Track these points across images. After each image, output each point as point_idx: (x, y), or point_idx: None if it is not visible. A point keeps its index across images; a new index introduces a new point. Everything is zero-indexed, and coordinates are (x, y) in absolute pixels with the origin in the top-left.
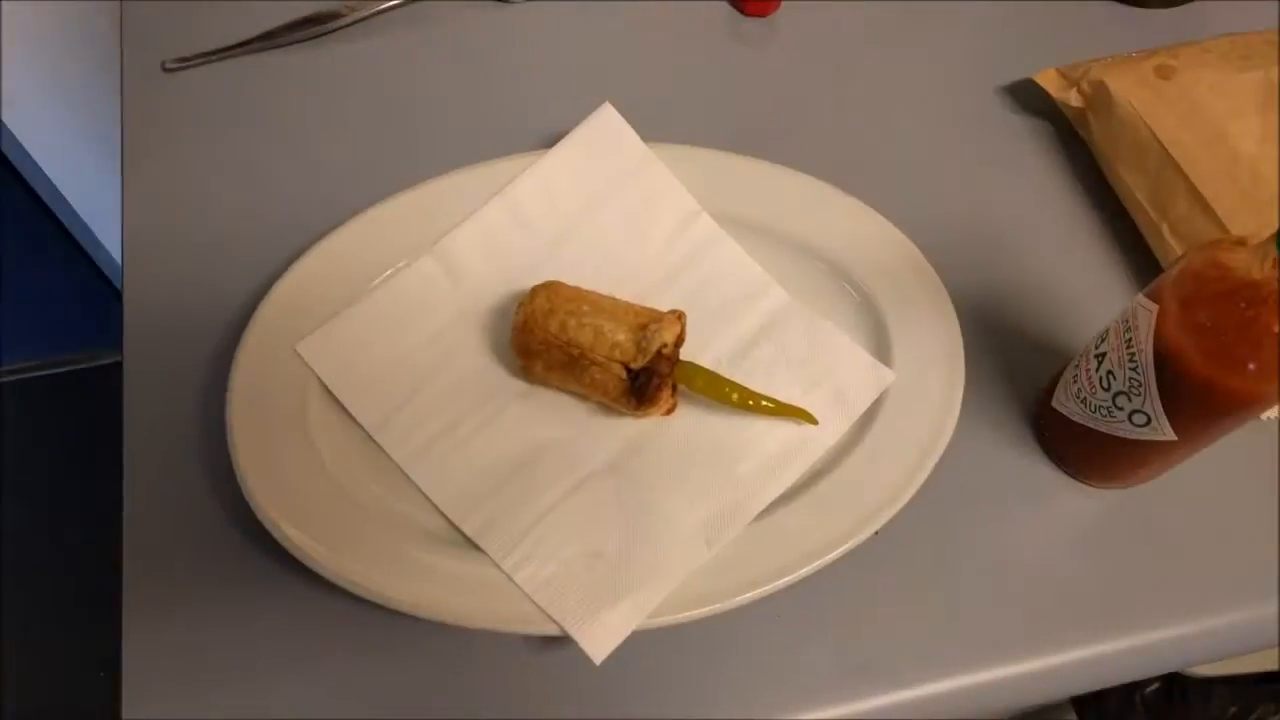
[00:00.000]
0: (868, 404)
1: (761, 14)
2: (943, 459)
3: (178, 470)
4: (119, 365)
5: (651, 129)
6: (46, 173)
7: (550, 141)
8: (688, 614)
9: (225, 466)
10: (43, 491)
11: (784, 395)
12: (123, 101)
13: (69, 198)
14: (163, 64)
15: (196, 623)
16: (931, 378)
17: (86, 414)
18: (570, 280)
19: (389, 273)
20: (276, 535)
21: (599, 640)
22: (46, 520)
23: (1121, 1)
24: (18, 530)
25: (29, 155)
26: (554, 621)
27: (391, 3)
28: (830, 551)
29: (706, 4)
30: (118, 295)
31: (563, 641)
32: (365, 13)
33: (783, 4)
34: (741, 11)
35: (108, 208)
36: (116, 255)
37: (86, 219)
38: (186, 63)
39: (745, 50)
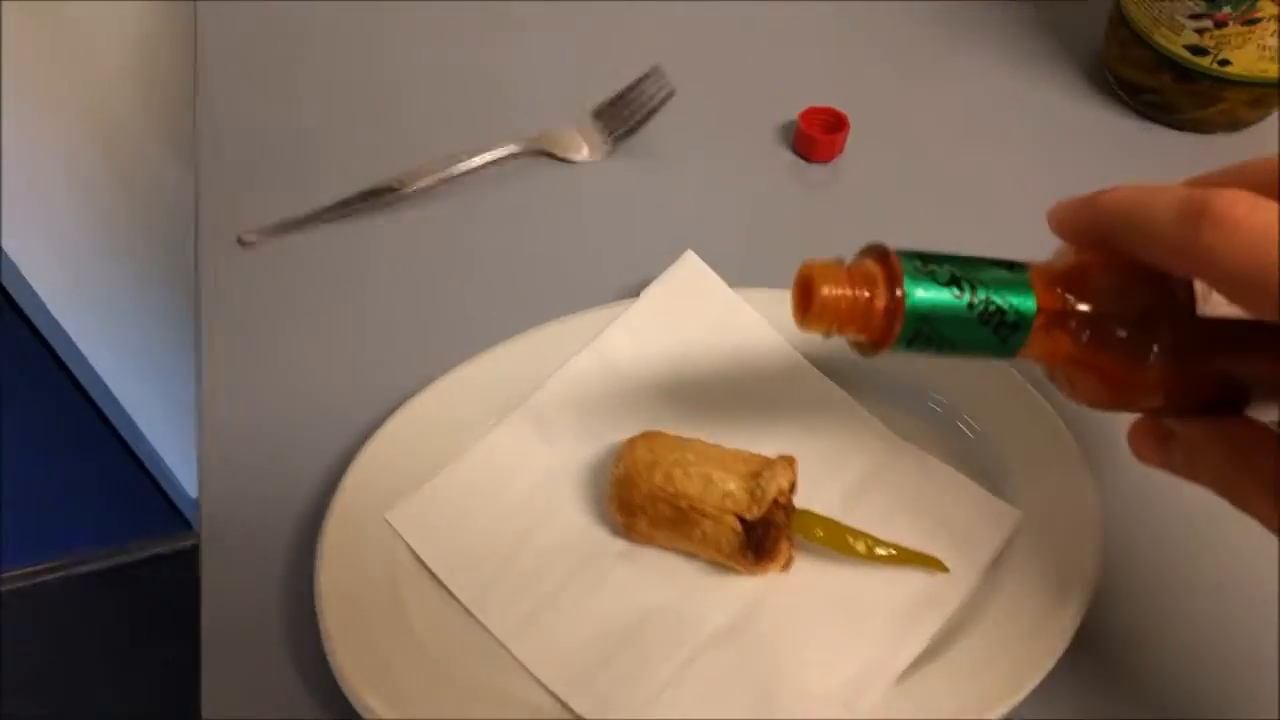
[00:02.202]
0: (996, 547)
1: (825, 160)
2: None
3: (261, 659)
4: (161, 557)
5: (729, 277)
6: (90, 360)
7: (632, 294)
8: None
9: (313, 654)
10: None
11: (904, 543)
12: (197, 276)
13: (111, 385)
14: (239, 238)
15: None
16: (1064, 512)
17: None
18: (668, 431)
19: (479, 431)
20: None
21: None
22: None
23: (1176, 128)
24: None
25: (73, 344)
26: None
27: (462, 168)
28: (990, 711)
29: (772, 153)
30: (156, 485)
31: None
32: (439, 177)
33: (845, 151)
34: (806, 159)
35: (149, 397)
36: (157, 444)
37: (129, 409)
38: (264, 235)
39: (812, 195)
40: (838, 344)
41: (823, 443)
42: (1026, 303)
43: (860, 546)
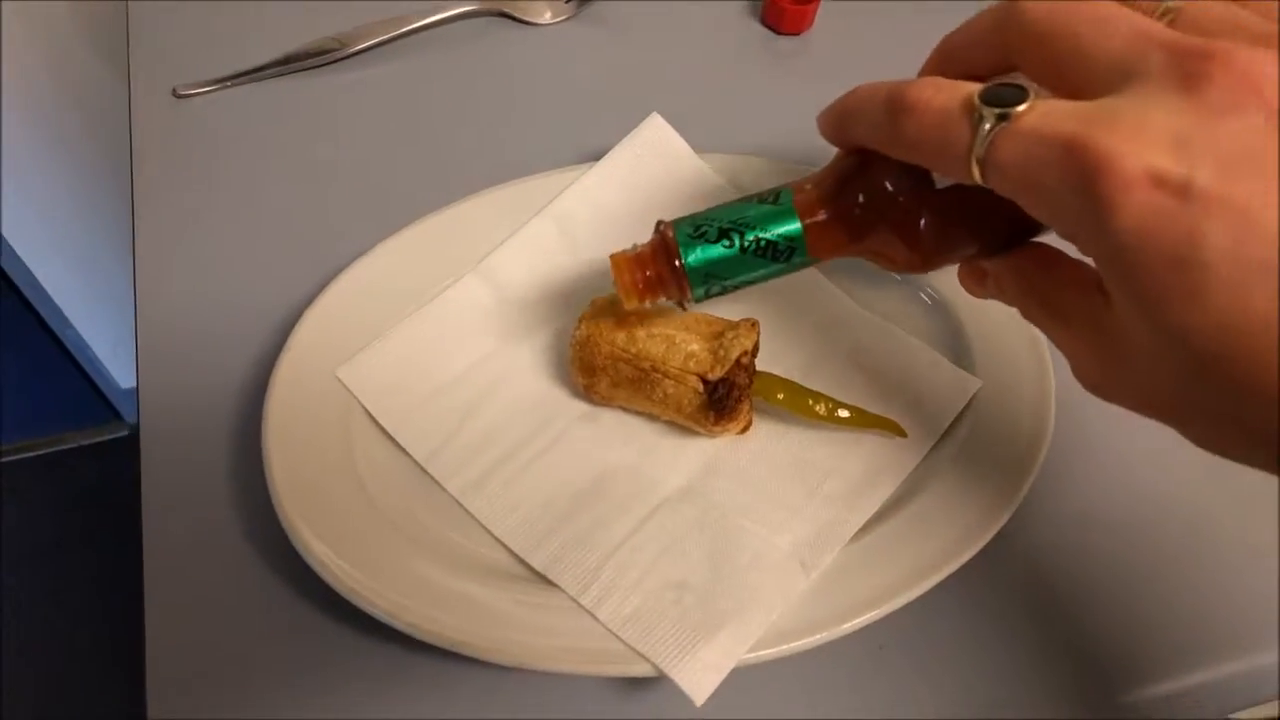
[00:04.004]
0: (955, 413)
1: (795, 31)
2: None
3: (208, 517)
4: (101, 444)
5: (694, 143)
6: (15, 248)
7: (592, 157)
8: (792, 645)
9: (264, 513)
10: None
11: (864, 408)
12: (131, 129)
13: (36, 273)
14: (174, 90)
15: (237, 681)
16: (1019, 381)
17: (71, 494)
18: None
19: (432, 293)
20: (324, 575)
21: (698, 679)
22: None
23: None
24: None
25: None
26: (646, 660)
27: (415, 25)
28: (940, 569)
29: (740, 24)
30: (84, 376)
31: (650, 684)
32: (389, 35)
33: (815, 24)
34: (776, 30)
35: (76, 285)
36: (84, 333)
37: (55, 297)
38: (201, 88)
39: (780, 66)
40: None
41: (785, 310)
42: (791, 227)
43: (820, 409)
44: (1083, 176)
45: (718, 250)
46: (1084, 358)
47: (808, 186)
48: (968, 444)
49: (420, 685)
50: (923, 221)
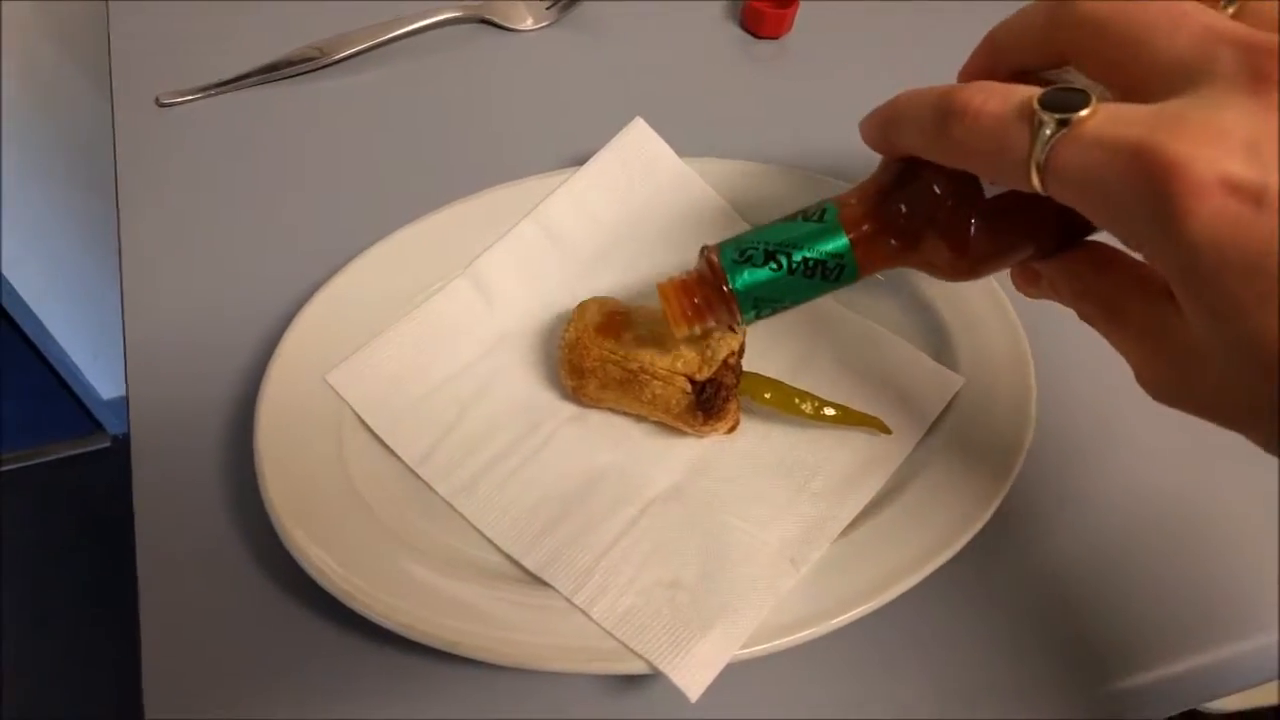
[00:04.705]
0: (938, 411)
1: (774, 35)
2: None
3: (201, 523)
4: (82, 455)
5: (674, 148)
6: None
7: (576, 162)
8: (783, 640)
9: (257, 519)
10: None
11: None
12: (115, 139)
13: (15, 284)
14: (157, 99)
15: (232, 686)
16: (1001, 377)
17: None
18: (614, 295)
19: (420, 298)
20: (318, 578)
21: (692, 675)
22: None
23: None
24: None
25: None
26: (640, 658)
27: (397, 33)
28: (928, 563)
29: (720, 29)
30: (64, 387)
31: (645, 682)
32: (372, 42)
33: (794, 28)
34: (755, 35)
35: (57, 296)
36: (65, 344)
37: (35, 307)
38: (184, 97)
39: (759, 70)
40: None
41: None
42: (838, 244)
43: (807, 407)
44: (1152, 183)
45: (765, 273)
46: (1147, 363)
47: (852, 200)
48: (952, 440)
49: (415, 687)
50: (972, 228)
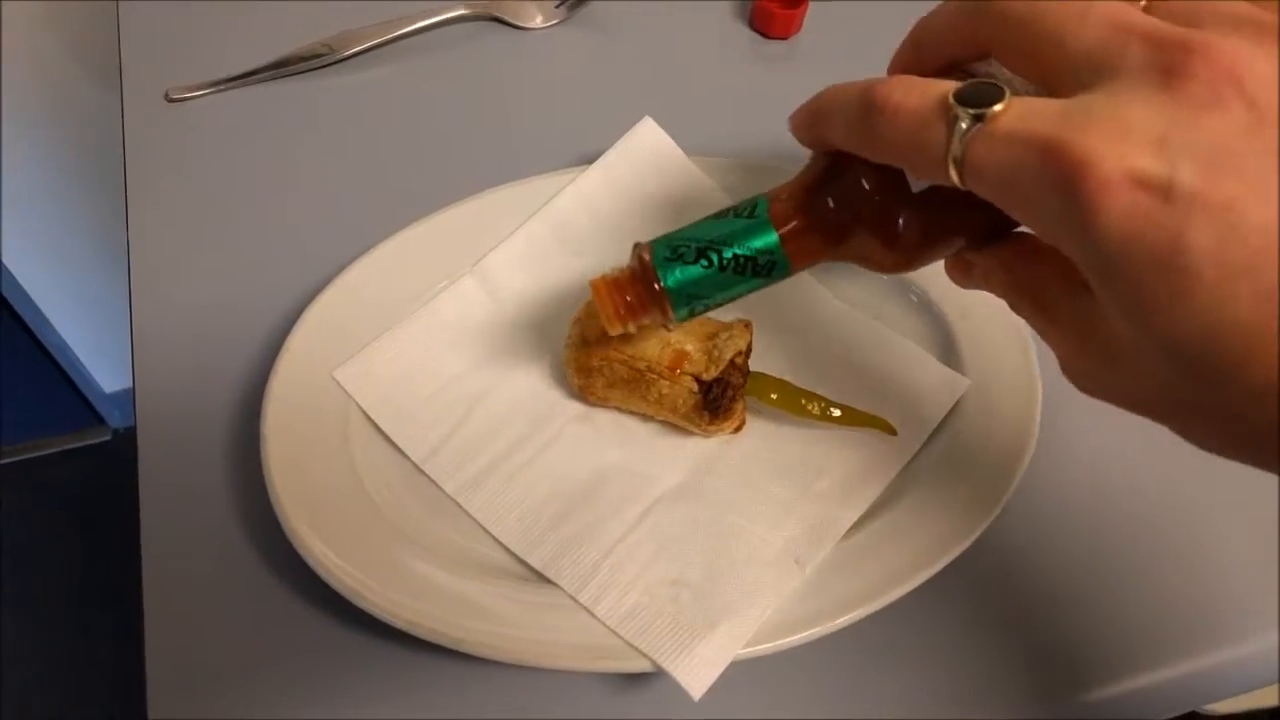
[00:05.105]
0: (944, 413)
1: (783, 35)
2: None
3: (206, 519)
4: (82, 449)
5: (682, 147)
6: None
7: (585, 160)
8: (787, 640)
9: (263, 514)
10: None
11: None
12: (124, 133)
13: (17, 276)
14: (166, 94)
15: (236, 679)
16: (1006, 380)
17: (52, 499)
18: None
19: (427, 295)
20: (324, 575)
21: (695, 674)
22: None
23: None
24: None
25: None
26: (644, 656)
27: (406, 30)
28: (932, 564)
29: (729, 29)
30: (66, 380)
31: (648, 680)
32: (381, 39)
33: (803, 28)
34: (764, 35)
35: (58, 287)
36: (67, 336)
37: (37, 300)
38: (193, 91)
39: (768, 70)
40: None
41: (777, 311)
42: (768, 240)
43: (813, 408)
44: (1062, 179)
45: (696, 270)
46: (1071, 354)
47: (782, 196)
48: (957, 442)
49: (419, 683)
50: (900, 221)
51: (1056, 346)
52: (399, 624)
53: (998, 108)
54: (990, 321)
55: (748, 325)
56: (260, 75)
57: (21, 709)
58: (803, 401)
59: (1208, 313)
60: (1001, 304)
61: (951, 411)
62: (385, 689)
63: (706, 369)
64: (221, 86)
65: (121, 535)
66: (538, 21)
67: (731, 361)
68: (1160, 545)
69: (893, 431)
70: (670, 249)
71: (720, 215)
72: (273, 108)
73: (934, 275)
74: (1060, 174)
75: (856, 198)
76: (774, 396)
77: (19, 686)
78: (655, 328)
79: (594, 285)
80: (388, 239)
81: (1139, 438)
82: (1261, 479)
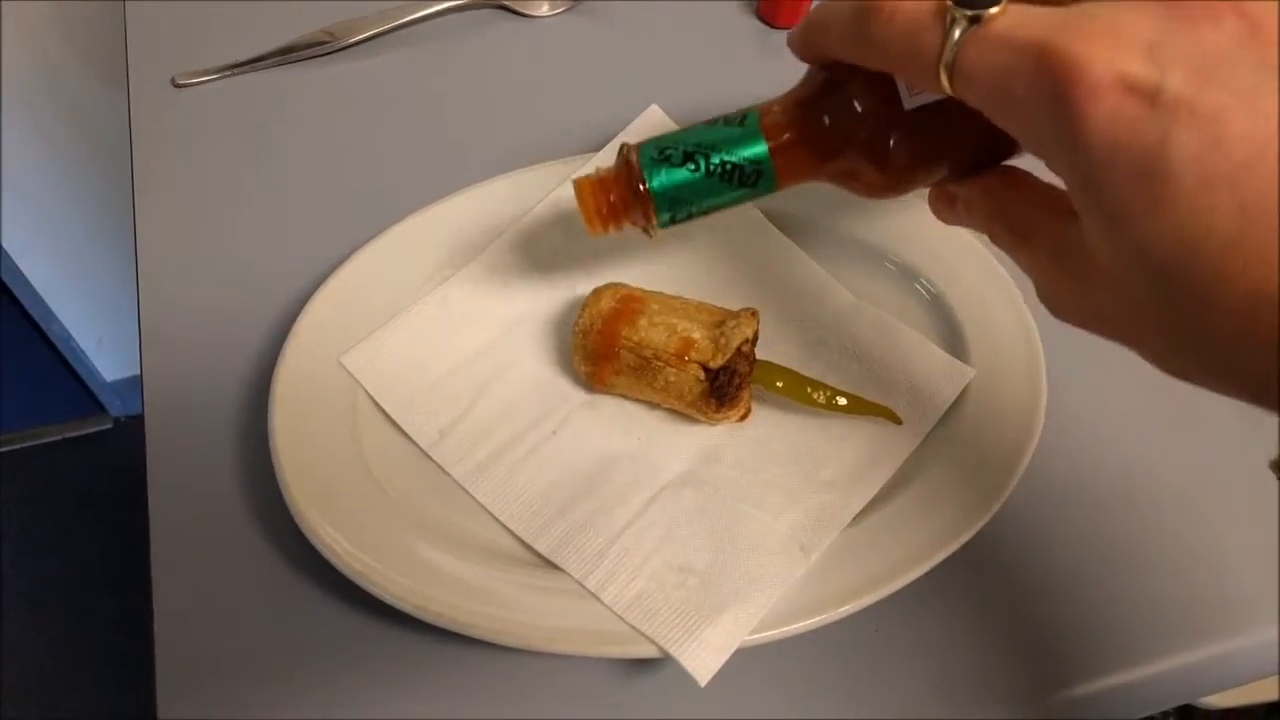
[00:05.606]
0: (949, 402)
1: (789, 26)
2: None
3: (215, 507)
4: (83, 438)
5: None
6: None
7: (591, 148)
8: (793, 626)
9: (271, 502)
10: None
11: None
12: (130, 119)
13: (20, 265)
14: (173, 79)
15: (245, 664)
16: (1012, 370)
17: (53, 488)
18: (628, 282)
19: (434, 282)
20: (332, 560)
21: (702, 660)
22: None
23: None
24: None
25: None
26: (651, 641)
27: (412, 17)
28: (937, 552)
29: (736, 18)
30: (68, 368)
31: (655, 665)
32: (388, 26)
33: None
34: (770, 25)
35: (62, 276)
36: (69, 325)
37: (39, 288)
38: (199, 77)
39: (774, 61)
40: (800, 204)
41: (783, 300)
42: (757, 150)
43: (819, 396)
44: (1053, 85)
45: (683, 174)
46: (1049, 279)
47: (775, 108)
48: (962, 431)
49: (426, 668)
50: (892, 140)
51: (1033, 272)
52: (407, 608)
53: (994, 10)
54: (997, 313)
55: (754, 313)
56: (267, 61)
57: (22, 695)
58: (809, 390)
59: (1186, 224)
60: (1007, 294)
61: (957, 401)
62: (392, 673)
63: (713, 356)
64: (228, 72)
65: (123, 523)
66: (544, 9)
67: (738, 349)
68: (1161, 537)
69: (898, 420)
70: (658, 150)
71: (711, 123)
72: (279, 94)
73: (940, 265)
74: (1050, 78)
75: (849, 113)
76: (780, 384)
77: (19, 673)
78: (670, 302)
79: (577, 184)
80: (393, 225)
81: (1142, 428)
82: (1262, 472)
